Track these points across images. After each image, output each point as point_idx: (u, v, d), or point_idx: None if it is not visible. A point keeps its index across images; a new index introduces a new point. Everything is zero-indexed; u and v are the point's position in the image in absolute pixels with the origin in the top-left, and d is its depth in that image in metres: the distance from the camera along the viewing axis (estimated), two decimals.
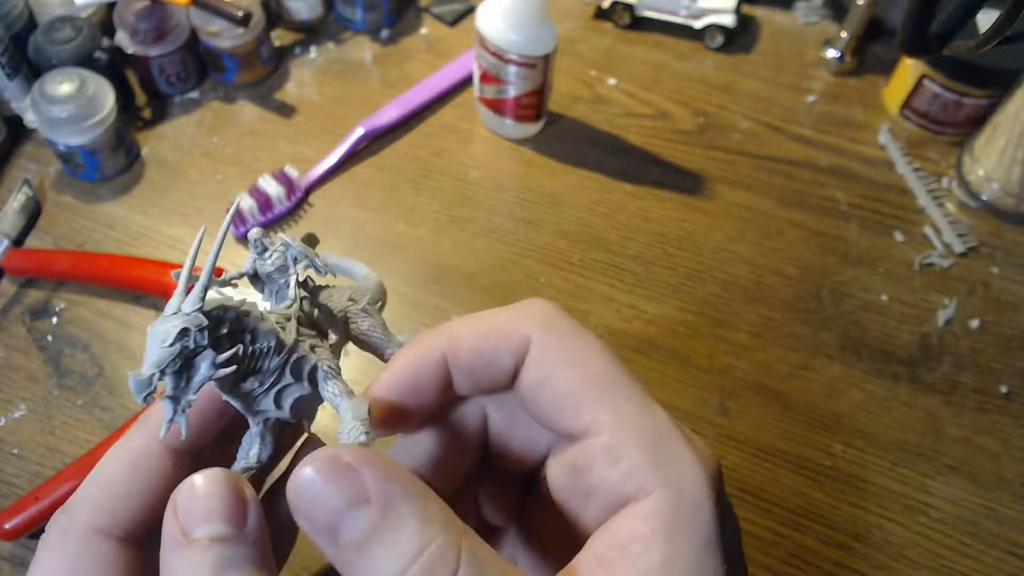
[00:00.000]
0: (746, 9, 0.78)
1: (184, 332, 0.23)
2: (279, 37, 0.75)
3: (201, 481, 0.23)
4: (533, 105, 0.65)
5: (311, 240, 0.32)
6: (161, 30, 0.66)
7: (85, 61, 0.64)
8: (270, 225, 0.63)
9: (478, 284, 0.60)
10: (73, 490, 0.50)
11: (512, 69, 0.62)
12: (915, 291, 0.60)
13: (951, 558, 0.49)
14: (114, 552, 0.25)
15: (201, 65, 0.71)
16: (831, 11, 0.77)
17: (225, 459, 0.27)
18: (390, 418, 0.28)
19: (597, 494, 0.26)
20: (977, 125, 0.66)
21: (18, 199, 0.62)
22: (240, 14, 0.65)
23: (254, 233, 0.28)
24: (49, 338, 0.57)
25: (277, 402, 0.26)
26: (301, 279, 0.28)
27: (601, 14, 0.77)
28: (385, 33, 0.76)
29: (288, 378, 0.26)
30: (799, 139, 0.69)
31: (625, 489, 0.25)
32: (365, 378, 0.53)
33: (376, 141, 0.68)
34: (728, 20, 0.72)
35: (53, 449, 0.53)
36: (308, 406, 0.27)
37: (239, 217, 0.62)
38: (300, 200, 0.64)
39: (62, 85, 0.60)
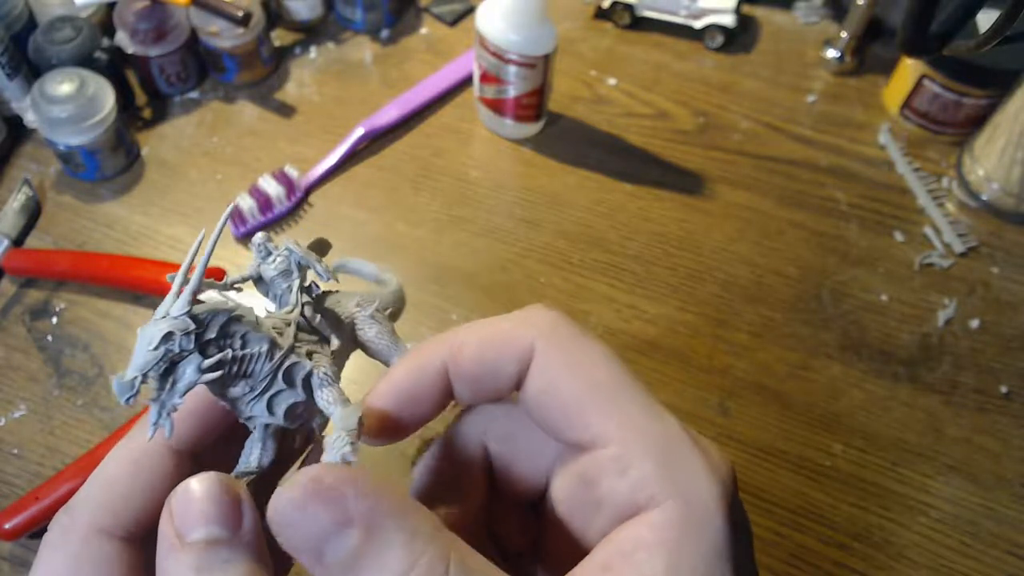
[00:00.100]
0: (746, 9, 0.78)
1: (168, 336, 0.23)
2: (279, 37, 0.75)
3: (196, 485, 0.23)
4: (533, 105, 0.65)
5: (323, 246, 0.32)
6: (161, 30, 0.66)
7: (85, 61, 0.64)
8: (270, 225, 0.63)
9: (478, 284, 0.60)
10: (73, 490, 0.50)
11: (512, 69, 0.62)
12: (915, 291, 0.60)
13: (951, 558, 0.49)
14: (116, 552, 0.25)
15: (201, 65, 0.71)
16: (831, 11, 0.77)
17: (230, 461, 0.27)
18: (384, 428, 0.27)
19: (606, 505, 0.25)
20: (977, 125, 0.66)
21: (18, 199, 0.62)
22: (240, 14, 0.65)
23: (258, 237, 0.28)
24: (49, 338, 0.57)
25: (270, 408, 0.26)
26: (305, 284, 0.28)
27: (601, 14, 0.77)
28: (385, 33, 0.76)
29: (280, 384, 0.25)
30: (799, 139, 0.69)
31: (635, 499, 0.24)
32: (365, 378, 0.53)
33: (376, 141, 0.68)
34: (728, 20, 0.72)
35: (53, 449, 0.53)
36: (306, 413, 0.27)
37: (239, 217, 0.62)
38: (300, 200, 0.64)
39: (62, 85, 0.60)
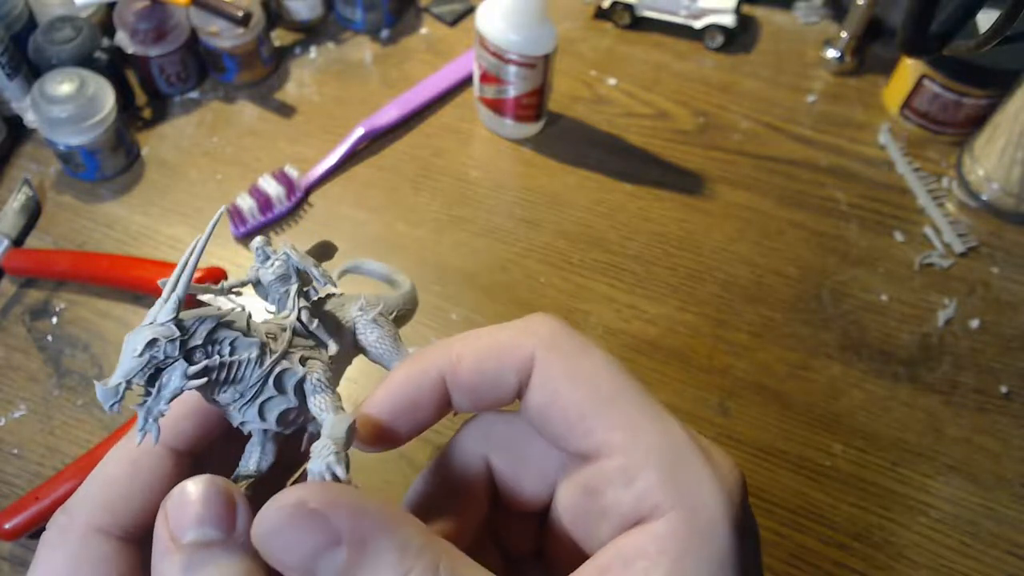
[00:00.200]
0: (746, 9, 0.77)
1: (152, 342, 0.23)
2: (279, 37, 0.75)
3: (191, 487, 0.23)
4: (533, 105, 0.65)
5: (327, 249, 0.32)
6: (161, 30, 0.66)
7: (85, 61, 0.64)
8: (270, 225, 0.63)
9: (478, 284, 0.60)
10: (73, 490, 0.50)
11: (512, 69, 0.62)
12: (915, 291, 0.60)
13: (951, 558, 0.49)
14: (114, 551, 0.25)
15: (201, 65, 0.71)
16: (831, 11, 0.77)
17: (231, 462, 0.27)
18: (378, 436, 0.27)
19: (611, 515, 0.25)
20: (977, 125, 0.66)
21: (18, 199, 0.62)
22: (240, 14, 0.65)
23: (257, 241, 0.28)
24: (49, 338, 0.57)
25: (261, 414, 0.25)
26: (304, 289, 0.28)
27: (601, 14, 0.77)
28: (385, 33, 0.76)
29: (271, 390, 0.25)
30: (799, 139, 0.69)
31: (639, 509, 0.24)
32: (365, 379, 0.53)
33: (376, 141, 0.68)
34: (728, 20, 0.72)
35: (53, 449, 0.53)
36: (300, 419, 0.26)
37: (239, 217, 0.62)
38: (300, 200, 0.64)
39: (62, 85, 0.60)
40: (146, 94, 0.71)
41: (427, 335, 0.57)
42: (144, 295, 0.59)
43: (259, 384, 0.25)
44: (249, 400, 0.25)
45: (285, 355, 0.26)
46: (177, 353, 0.23)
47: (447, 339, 0.28)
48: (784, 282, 0.61)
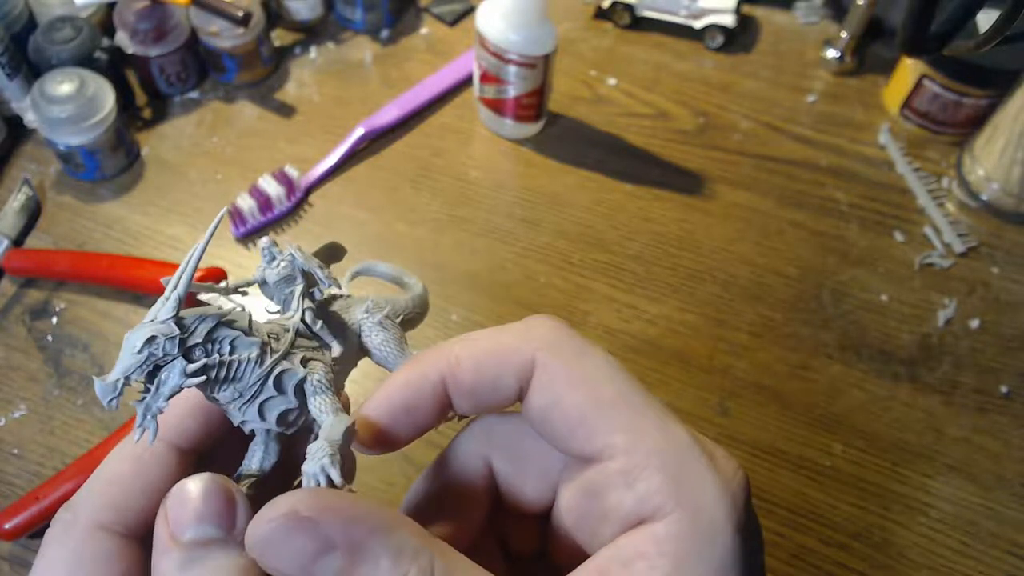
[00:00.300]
0: (746, 9, 0.78)
1: (151, 340, 0.23)
2: (279, 37, 0.75)
3: (191, 485, 0.23)
4: (533, 105, 0.65)
5: (336, 251, 0.31)
6: (161, 30, 0.66)
7: (85, 61, 0.64)
8: (270, 225, 0.63)
9: (478, 284, 0.60)
10: (73, 490, 0.50)
11: (512, 69, 0.62)
12: (915, 291, 0.60)
13: (951, 558, 0.49)
14: (117, 549, 0.25)
15: (201, 65, 0.71)
16: (831, 11, 0.77)
17: (236, 462, 0.27)
18: (378, 439, 0.27)
19: (613, 517, 0.25)
20: (977, 125, 0.66)
21: (18, 199, 0.62)
22: (240, 14, 0.65)
23: (264, 241, 0.28)
24: (49, 338, 0.57)
25: (261, 414, 0.25)
26: (310, 290, 0.28)
27: (601, 14, 0.77)
28: (385, 33, 0.76)
29: (270, 390, 0.25)
30: (799, 139, 0.69)
31: (642, 511, 0.24)
32: (364, 379, 0.53)
33: (376, 141, 0.68)
34: (728, 20, 0.72)
35: (53, 449, 0.53)
36: (301, 420, 0.26)
37: (239, 217, 0.62)
38: (300, 200, 0.64)
39: (62, 85, 0.60)
40: (146, 94, 0.71)
41: (427, 335, 0.57)
42: (144, 295, 0.59)
43: (259, 384, 0.25)
44: (249, 399, 0.25)
45: (286, 355, 0.26)
46: (176, 351, 0.23)
47: (447, 341, 0.28)
48: (784, 282, 0.61)
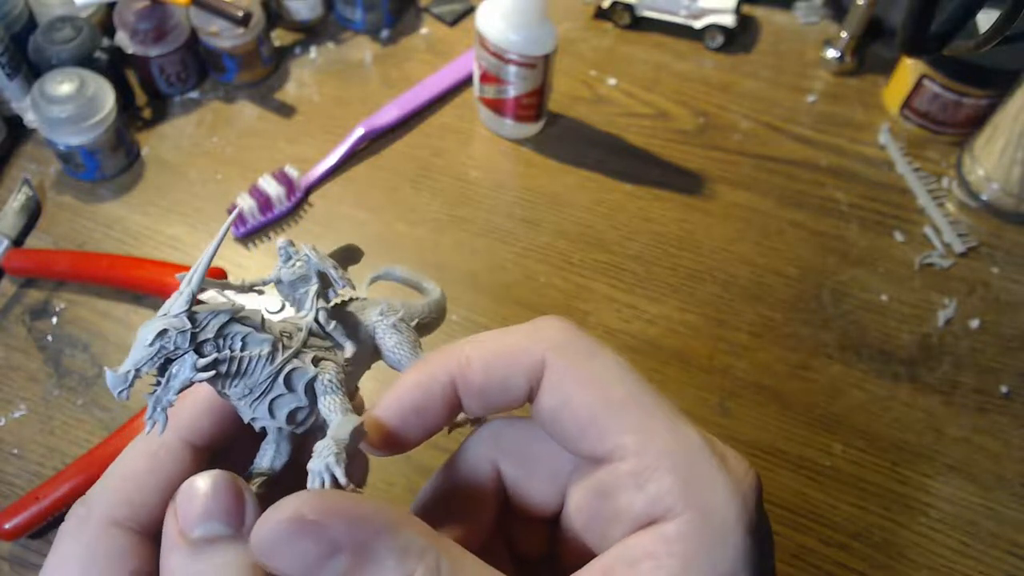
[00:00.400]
0: (746, 9, 0.78)
1: (163, 333, 0.23)
2: (279, 37, 0.75)
3: (200, 482, 0.23)
4: (533, 105, 0.65)
5: (353, 253, 0.32)
6: (161, 30, 0.66)
7: (85, 61, 0.64)
8: (270, 225, 0.63)
9: (478, 284, 0.60)
10: (73, 490, 0.50)
11: (512, 69, 0.62)
12: (915, 291, 0.60)
13: (951, 558, 0.49)
14: (130, 544, 0.25)
15: (201, 65, 0.71)
16: (831, 11, 0.77)
17: (249, 460, 0.27)
18: (387, 440, 0.27)
19: (623, 519, 0.25)
20: (977, 125, 0.66)
21: (18, 199, 0.62)
22: (240, 14, 0.65)
23: (281, 241, 0.28)
24: (49, 338, 0.57)
25: (271, 411, 0.26)
26: (325, 291, 0.28)
27: (601, 14, 0.77)
28: (385, 33, 0.76)
29: (280, 388, 0.25)
30: (799, 139, 0.69)
31: (652, 512, 0.24)
32: (372, 382, 0.53)
33: (376, 141, 0.68)
34: (728, 20, 0.72)
35: (53, 449, 0.53)
36: (311, 419, 0.27)
37: (239, 217, 0.62)
38: (300, 200, 0.64)
39: (62, 85, 0.60)
40: (146, 94, 0.71)
41: (427, 336, 0.57)
42: (144, 295, 0.59)
43: (269, 381, 0.25)
44: (259, 396, 0.25)
45: (297, 354, 0.26)
46: (187, 345, 0.24)
47: (456, 343, 0.28)
48: (784, 282, 0.61)
